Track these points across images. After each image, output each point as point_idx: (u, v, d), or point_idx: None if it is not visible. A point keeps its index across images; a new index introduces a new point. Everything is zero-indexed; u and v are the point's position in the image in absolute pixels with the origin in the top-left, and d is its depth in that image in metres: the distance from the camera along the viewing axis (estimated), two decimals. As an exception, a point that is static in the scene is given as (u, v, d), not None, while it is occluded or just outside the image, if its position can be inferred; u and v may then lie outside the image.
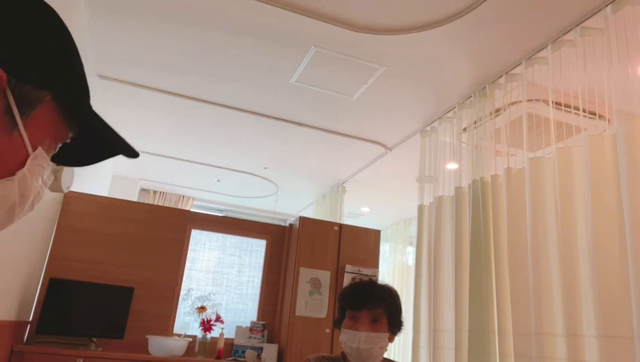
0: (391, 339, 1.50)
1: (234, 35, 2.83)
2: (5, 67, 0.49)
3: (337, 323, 1.54)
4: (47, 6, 0.56)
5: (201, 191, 6.22)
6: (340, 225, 4.08)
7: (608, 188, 2.09)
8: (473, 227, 2.81)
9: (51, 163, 0.63)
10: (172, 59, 3.18)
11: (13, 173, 0.53)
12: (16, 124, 0.52)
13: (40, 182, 0.58)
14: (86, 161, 0.69)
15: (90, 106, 0.61)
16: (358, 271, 3.92)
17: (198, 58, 3.12)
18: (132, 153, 0.64)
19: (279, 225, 4.35)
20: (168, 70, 3.32)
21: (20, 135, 0.52)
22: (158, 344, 3.37)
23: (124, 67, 3.34)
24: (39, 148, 0.55)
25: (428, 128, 3.64)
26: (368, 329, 1.44)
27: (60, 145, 0.61)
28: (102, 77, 3.46)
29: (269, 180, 5.47)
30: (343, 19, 2.61)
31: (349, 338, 1.45)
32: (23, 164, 0.54)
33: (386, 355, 1.58)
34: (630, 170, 1.95)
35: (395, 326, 1.50)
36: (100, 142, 0.64)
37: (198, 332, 3.66)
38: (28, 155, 0.54)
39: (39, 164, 0.56)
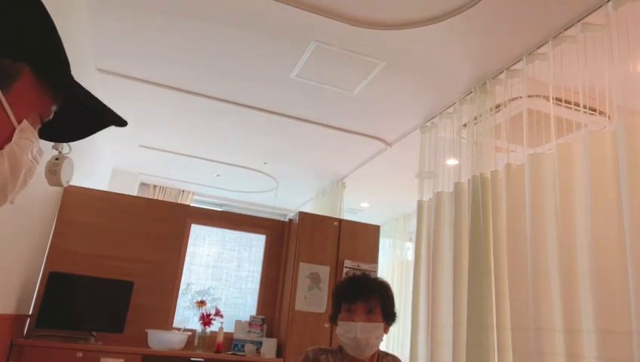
0: (386, 330, 1.55)
1: (234, 30, 2.83)
2: None
3: (333, 318, 1.59)
4: None
5: (201, 185, 6.22)
6: (340, 221, 4.09)
7: (608, 184, 2.09)
8: (472, 223, 2.82)
9: (47, 141, 0.63)
10: (172, 54, 3.17)
11: (0, 148, 0.53)
12: None
13: (30, 156, 0.57)
14: (77, 136, 0.69)
15: (71, 77, 0.60)
16: (358, 266, 3.93)
17: (198, 52, 3.11)
18: (120, 122, 0.64)
19: (279, 220, 4.36)
20: (168, 65, 3.31)
21: (3, 109, 0.52)
22: (157, 338, 3.38)
23: (124, 61, 3.33)
24: (25, 122, 0.55)
25: (428, 124, 3.64)
26: (364, 320, 1.49)
27: (46, 119, 0.60)
28: (101, 70, 3.45)
29: (269, 175, 5.47)
30: (344, 13, 2.60)
31: (346, 330, 1.49)
32: (9, 138, 0.54)
33: (384, 349, 1.60)
34: (630, 167, 1.95)
35: (389, 316, 1.55)
36: (87, 114, 0.63)
37: (197, 326, 3.68)
38: (14, 129, 0.54)
39: (26, 137, 0.56)
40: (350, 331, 1.48)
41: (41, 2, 0.57)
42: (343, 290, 1.57)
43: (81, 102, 0.61)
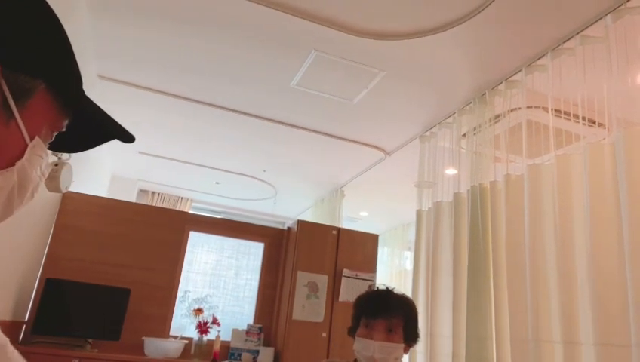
0: (406, 350, 1.47)
1: (234, 38, 2.84)
2: None
3: (351, 331, 1.51)
4: None
5: (200, 193, 6.21)
6: (338, 229, 4.08)
7: (607, 195, 2.09)
8: (471, 233, 2.81)
9: (50, 152, 0.62)
10: (172, 62, 3.18)
11: (12, 164, 0.53)
12: (12, 115, 0.52)
13: (38, 172, 0.58)
14: (81, 147, 0.69)
15: (83, 92, 0.61)
16: (356, 275, 3.92)
17: (199, 60, 3.13)
18: (127, 137, 0.64)
19: (277, 228, 4.35)
20: (168, 72, 3.32)
21: (17, 125, 0.53)
22: (154, 346, 3.35)
23: (124, 68, 3.35)
24: (37, 138, 0.55)
25: (427, 133, 3.64)
26: (383, 339, 1.42)
27: (56, 133, 0.61)
28: (102, 77, 3.46)
29: (268, 183, 5.47)
30: (344, 23, 2.61)
31: (364, 347, 1.42)
32: (21, 155, 0.54)
33: None
34: (629, 178, 1.96)
35: (410, 337, 1.47)
36: (95, 128, 0.64)
37: (194, 334, 3.65)
38: (26, 145, 0.54)
39: (37, 153, 0.56)
40: (368, 349, 1.41)
41: (58, 19, 0.57)
42: (364, 304, 1.50)
43: (92, 117, 0.61)
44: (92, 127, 0.64)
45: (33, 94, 0.54)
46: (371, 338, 1.42)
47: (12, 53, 0.51)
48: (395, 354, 1.43)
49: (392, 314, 1.44)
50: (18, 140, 0.53)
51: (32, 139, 0.55)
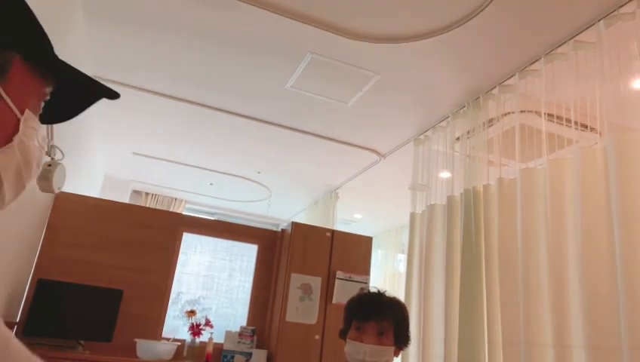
0: (396, 353, 1.49)
1: (230, 40, 2.84)
2: None
3: (342, 334, 1.53)
4: None
5: (194, 194, 6.20)
6: (332, 231, 4.08)
7: (599, 199, 2.11)
8: (465, 236, 2.83)
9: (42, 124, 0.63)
10: (168, 63, 3.17)
11: (10, 140, 0.54)
12: None
13: (36, 143, 0.58)
14: (70, 113, 0.69)
15: (57, 57, 0.61)
16: (350, 277, 3.92)
17: (194, 61, 3.12)
18: (111, 94, 0.64)
19: (271, 230, 4.34)
20: (164, 73, 3.32)
21: (5, 101, 0.53)
22: (146, 347, 3.34)
23: (120, 69, 3.34)
24: (27, 111, 0.56)
25: (421, 137, 3.66)
26: (374, 342, 1.43)
27: (43, 102, 0.61)
28: (97, 78, 3.45)
29: (262, 185, 5.46)
30: (340, 26, 2.62)
31: (354, 350, 1.44)
32: (16, 130, 0.55)
33: None
34: (620, 182, 1.98)
35: (401, 340, 1.49)
36: (78, 91, 0.64)
37: (187, 336, 3.64)
38: (18, 120, 0.55)
39: (31, 126, 0.57)
40: (358, 352, 1.42)
41: None
42: (355, 307, 1.51)
43: (72, 79, 0.62)
44: (75, 91, 0.64)
45: (10, 67, 0.54)
46: (362, 342, 1.43)
47: None
48: (386, 356, 1.44)
49: (382, 318, 1.46)
50: (9, 116, 0.54)
51: (22, 112, 0.55)
